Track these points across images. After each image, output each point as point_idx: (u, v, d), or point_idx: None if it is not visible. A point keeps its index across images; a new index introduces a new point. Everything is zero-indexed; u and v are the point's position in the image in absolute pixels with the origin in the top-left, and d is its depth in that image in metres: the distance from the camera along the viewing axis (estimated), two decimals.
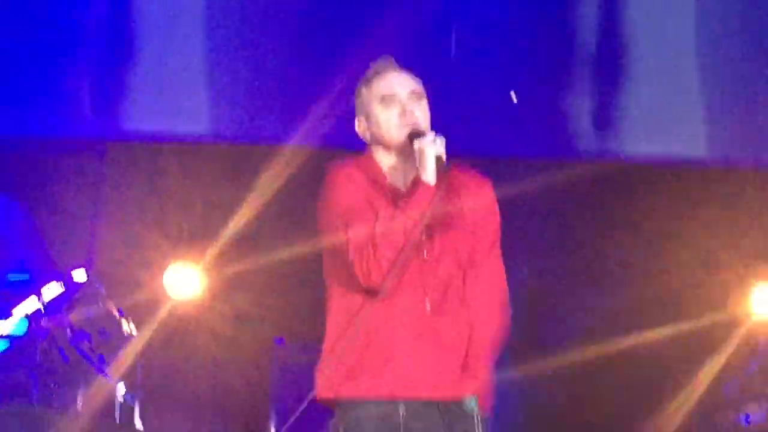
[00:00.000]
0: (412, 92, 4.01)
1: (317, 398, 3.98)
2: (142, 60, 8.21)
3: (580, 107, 8.14)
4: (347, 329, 3.91)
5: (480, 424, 3.86)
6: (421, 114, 3.99)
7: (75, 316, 7.40)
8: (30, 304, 7.41)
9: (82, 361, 7.31)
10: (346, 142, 7.47)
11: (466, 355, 3.87)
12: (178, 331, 7.90)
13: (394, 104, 3.99)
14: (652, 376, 7.79)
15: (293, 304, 8.08)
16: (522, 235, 7.52)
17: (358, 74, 6.72)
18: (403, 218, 3.82)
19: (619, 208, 8.24)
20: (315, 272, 7.59)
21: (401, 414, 3.83)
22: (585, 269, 8.00)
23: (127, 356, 7.43)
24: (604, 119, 8.23)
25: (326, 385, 3.92)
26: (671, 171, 8.32)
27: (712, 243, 8.10)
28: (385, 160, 4.02)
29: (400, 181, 3.98)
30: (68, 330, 7.28)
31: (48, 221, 8.16)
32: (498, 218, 4.01)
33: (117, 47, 8.18)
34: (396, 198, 3.92)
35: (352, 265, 3.83)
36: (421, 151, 3.85)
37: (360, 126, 4.06)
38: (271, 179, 7.70)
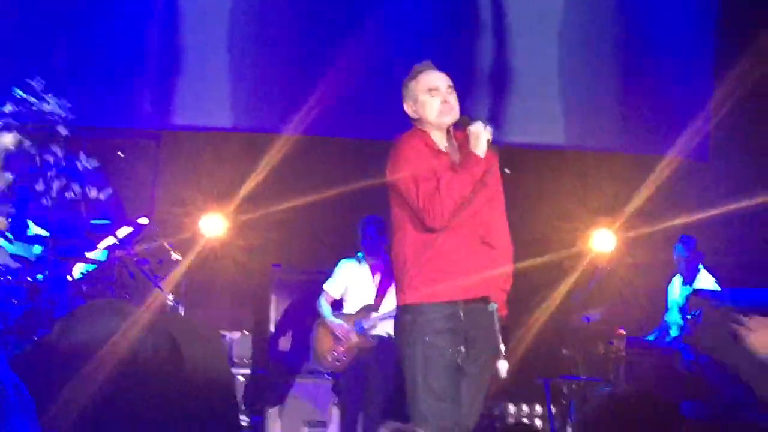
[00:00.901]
0: (449, 86, 4.50)
1: (401, 304, 4.35)
2: (185, 75, 9.24)
3: (479, 111, 9.13)
4: (422, 255, 4.36)
5: (497, 319, 4.46)
6: (455, 102, 4.47)
7: (139, 248, 8.24)
8: (109, 240, 8.26)
9: (144, 279, 8.12)
10: (321, 132, 8.97)
11: (495, 271, 4.44)
12: (209, 259, 8.88)
13: (438, 94, 4.45)
14: (526, 291, 7.83)
15: (287, 240, 9.23)
16: None
17: (327, 91, 8.12)
18: (459, 180, 4.29)
19: (505, 179, 8.46)
20: (301, 219, 9.06)
21: (461, 312, 4.39)
22: None
23: (174, 276, 8.30)
24: (495, 118, 9.23)
25: (410, 294, 4.39)
26: (540, 153, 9.47)
27: (566, 202, 9.29)
28: (430, 133, 4.48)
29: (444, 148, 4.45)
30: (135, 258, 8.12)
31: (121, 185, 8.94)
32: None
33: (168, 66, 9.22)
34: (449, 163, 4.34)
35: (420, 210, 4.28)
36: (477, 134, 4.34)
37: (409, 108, 4.49)
38: (272, 156, 8.72)
